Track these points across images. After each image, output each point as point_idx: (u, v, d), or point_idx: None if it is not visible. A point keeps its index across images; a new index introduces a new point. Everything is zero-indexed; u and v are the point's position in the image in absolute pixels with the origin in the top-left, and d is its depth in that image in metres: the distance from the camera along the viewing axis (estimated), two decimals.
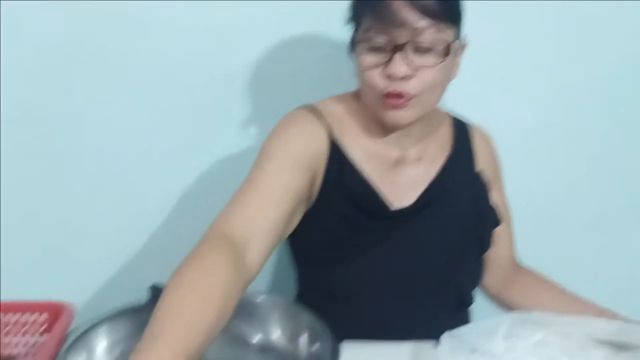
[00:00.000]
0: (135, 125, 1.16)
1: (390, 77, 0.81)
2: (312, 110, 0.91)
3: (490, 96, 1.20)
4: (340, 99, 0.95)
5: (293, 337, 0.84)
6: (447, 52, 0.82)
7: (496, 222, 1.00)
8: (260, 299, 0.88)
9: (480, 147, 1.00)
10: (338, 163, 0.88)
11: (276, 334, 0.86)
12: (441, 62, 0.82)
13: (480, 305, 1.08)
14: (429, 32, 0.80)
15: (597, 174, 1.28)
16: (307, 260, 0.97)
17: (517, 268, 1.10)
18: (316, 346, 0.80)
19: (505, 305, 1.08)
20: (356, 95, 0.94)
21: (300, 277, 1.02)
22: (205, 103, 1.16)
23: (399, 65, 0.80)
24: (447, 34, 0.82)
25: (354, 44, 0.85)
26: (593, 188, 1.29)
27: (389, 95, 0.82)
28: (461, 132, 1.00)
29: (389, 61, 0.81)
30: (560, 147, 1.26)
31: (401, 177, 0.92)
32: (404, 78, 0.81)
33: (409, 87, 0.82)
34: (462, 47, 0.88)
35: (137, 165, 1.18)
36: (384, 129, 0.91)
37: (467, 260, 0.97)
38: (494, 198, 1.01)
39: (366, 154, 0.91)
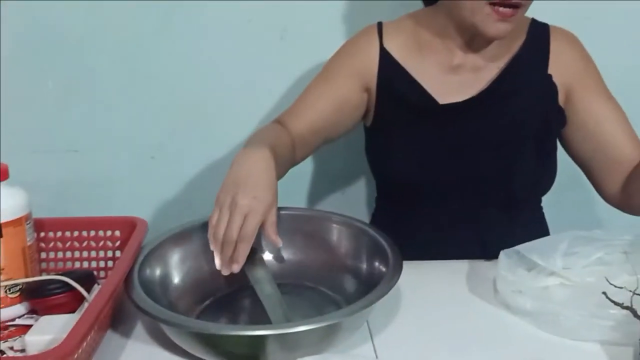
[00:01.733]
0: None
1: None
2: (372, 28, 1.01)
3: None
4: (413, 14, 1.02)
5: (356, 254, 0.87)
6: None
7: (562, 123, 0.99)
8: (327, 216, 0.90)
9: (559, 50, 0.98)
10: (388, 70, 0.97)
11: (340, 251, 0.89)
12: None
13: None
14: None
15: None
16: (379, 173, 1.07)
17: None
18: (378, 263, 0.83)
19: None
20: (430, 10, 0.99)
21: (377, 193, 1.13)
22: None
23: None
24: None
25: None
26: None
27: (502, 4, 0.85)
28: (538, 33, 0.99)
29: None
30: None
31: (460, 81, 0.97)
32: None
33: None
34: None
35: None
36: (458, 36, 0.95)
37: (522, 160, 0.98)
38: (586, 100, 0.97)
39: (424, 61, 0.97)
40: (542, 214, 1.10)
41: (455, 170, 0.97)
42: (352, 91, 0.99)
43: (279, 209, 0.84)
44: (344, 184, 1.37)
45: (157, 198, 1.32)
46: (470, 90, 0.96)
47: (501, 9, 0.86)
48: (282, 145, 0.90)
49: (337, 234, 0.89)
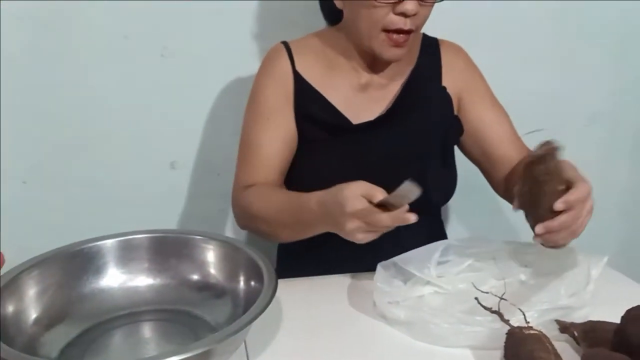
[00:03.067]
0: None
1: (402, 14, 0.89)
2: (282, 50, 1.01)
3: None
4: (318, 34, 1.05)
5: (231, 275, 0.84)
6: None
7: (460, 131, 1.05)
8: (198, 237, 0.87)
9: (449, 62, 1.05)
10: (302, 90, 0.99)
11: (214, 272, 0.85)
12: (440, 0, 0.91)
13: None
14: None
15: None
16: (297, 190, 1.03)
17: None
18: (253, 283, 0.80)
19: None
20: (333, 31, 1.03)
21: None
22: None
23: (413, 4, 0.88)
24: None
25: None
26: None
27: (398, 31, 0.90)
28: (430, 47, 1.06)
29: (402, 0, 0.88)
30: None
31: (367, 98, 1.01)
32: (414, 15, 0.89)
33: (414, 23, 0.91)
34: None
35: None
36: (359, 58, 1.00)
37: (433, 168, 1.02)
38: (475, 107, 1.04)
39: (333, 81, 1.01)
40: (441, 220, 1.15)
41: (373, 181, 0.97)
42: (291, 119, 1.00)
43: (149, 231, 0.82)
44: None
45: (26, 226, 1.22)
46: (378, 108, 1.01)
47: (395, 36, 0.92)
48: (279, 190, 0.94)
49: (212, 255, 0.85)
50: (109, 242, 0.85)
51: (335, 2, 0.99)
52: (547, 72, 1.40)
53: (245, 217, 0.97)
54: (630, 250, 1.61)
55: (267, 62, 1.03)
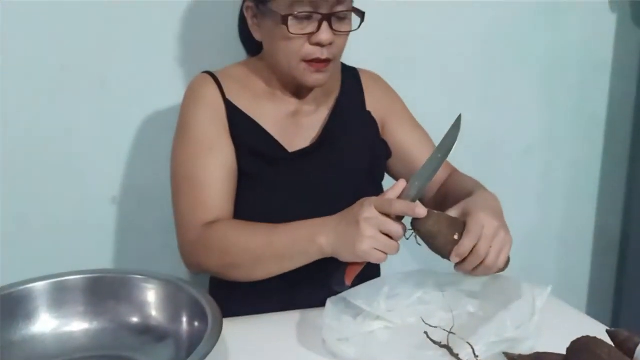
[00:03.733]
0: None
1: (318, 45, 0.91)
2: (208, 78, 1.00)
3: None
4: (242, 63, 1.06)
5: (173, 316, 0.80)
6: (362, 19, 0.93)
7: (387, 154, 1.07)
8: (138, 277, 0.83)
9: (369, 88, 1.08)
10: (236, 119, 0.98)
11: (155, 313, 0.81)
12: (357, 28, 0.93)
13: None
14: (346, 2, 0.91)
15: None
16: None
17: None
18: (197, 324, 0.77)
19: None
20: (256, 61, 1.04)
21: None
22: None
23: (327, 34, 0.90)
24: (352, 1, 0.93)
25: (272, 13, 0.91)
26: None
27: (316, 60, 0.92)
28: (350, 75, 1.09)
29: (317, 31, 0.90)
30: None
31: (298, 126, 1.01)
32: (329, 44, 0.91)
33: (331, 52, 0.93)
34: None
35: None
36: (284, 87, 1.01)
37: (365, 192, 0.99)
38: (398, 129, 1.08)
39: (264, 109, 1.00)
40: None
41: (309, 212, 0.95)
42: (231, 148, 0.97)
43: (84, 272, 0.78)
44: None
45: None
46: (309, 135, 1.01)
47: (313, 65, 0.93)
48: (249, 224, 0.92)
49: (152, 295, 0.82)
50: (40, 285, 0.80)
51: (254, 34, 0.98)
52: (482, 106, 1.44)
53: (217, 256, 0.90)
54: (573, 278, 1.67)
55: (194, 92, 1.00)
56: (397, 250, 0.80)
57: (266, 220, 0.92)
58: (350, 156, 1.02)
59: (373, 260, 0.80)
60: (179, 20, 1.19)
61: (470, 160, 1.26)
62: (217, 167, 0.95)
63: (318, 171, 0.99)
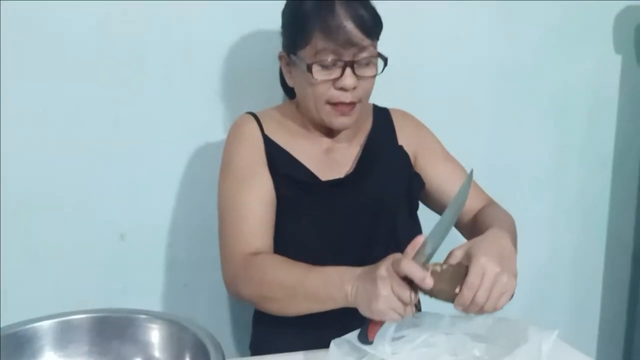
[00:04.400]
0: None
1: (342, 89, 0.96)
2: (250, 117, 1.07)
3: None
4: (279, 107, 1.13)
5: (177, 356, 0.80)
6: (385, 64, 0.98)
7: (420, 186, 1.11)
8: (142, 317, 0.83)
9: (401, 125, 1.13)
10: (273, 152, 1.04)
11: (158, 354, 0.81)
12: (381, 72, 0.99)
13: None
14: (369, 48, 0.96)
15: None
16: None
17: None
18: None
19: None
20: (291, 104, 1.11)
21: None
22: None
23: (350, 79, 0.96)
24: (376, 47, 0.98)
25: (301, 61, 0.97)
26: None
27: (340, 104, 0.97)
28: (381, 115, 1.14)
29: (340, 76, 0.95)
30: None
31: (331, 161, 1.07)
32: (353, 88, 0.96)
33: (355, 96, 0.98)
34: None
35: None
36: (316, 127, 1.06)
37: (401, 221, 1.06)
38: (430, 162, 1.11)
39: (299, 146, 1.06)
40: None
41: (347, 238, 1.02)
42: (269, 180, 1.02)
43: (90, 311, 0.79)
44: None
45: None
46: (343, 168, 1.06)
47: (339, 108, 0.98)
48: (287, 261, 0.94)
49: (156, 335, 0.81)
50: (46, 324, 0.80)
51: (287, 80, 1.05)
52: (493, 139, 1.46)
53: (255, 287, 0.94)
54: (583, 316, 1.64)
55: (236, 129, 1.07)
56: (411, 312, 0.80)
57: (303, 243, 1.00)
58: (382, 187, 1.05)
59: (388, 319, 0.81)
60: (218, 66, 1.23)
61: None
62: (257, 199, 1.00)
63: (350, 200, 1.03)
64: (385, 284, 0.79)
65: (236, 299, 1.04)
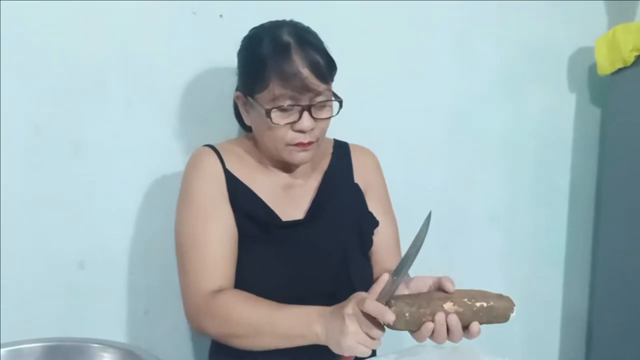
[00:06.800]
0: None
1: (300, 131, 0.99)
2: (210, 150, 1.07)
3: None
4: (237, 141, 1.14)
5: None
6: (341, 106, 1.02)
7: (375, 223, 1.12)
8: (95, 346, 0.82)
9: (359, 163, 1.15)
10: (234, 187, 1.04)
11: None
12: (336, 114, 1.02)
13: None
14: (325, 92, 1.00)
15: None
16: None
17: None
18: None
19: None
20: (249, 138, 1.12)
21: None
22: None
23: (308, 122, 0.98)
24: (330, 89, 1.01)
25: (258, 105, 0.99)
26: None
27: (298, 144, 1.00)
28: (340, 150, 1.17)
29: (298, 119, 0.98)
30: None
31: (290, 197, 1.07)
32: (311, 130, 0.99)
33: (313, 136, 1.01)
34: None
35: None
36: (274, 163, 1.08)
37: (354, 260, 1.07)
38: (371, 208, 1.12)
39: (259, 181, 1.07)
40: None
41: (299, 278, 1.02)
42: (231, 215, 1.02)
43: (42, 340, 0.76)
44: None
45: None
46: (301, 206, 1.07)
47: (297, 146, 1.00)
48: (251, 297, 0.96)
49: None
50: None
51: (244, 119, 1.07)
52: (446, 177, 1.49)
53: (220, 324, 0.96)
54: (540, 349, 1.66)
55: (197, 162, 1.06)
56: (379, 344, 0.84)
57: (259, 281, 1.00)
58: (337, 228, 1.07)
59: (358, 354, 0.84)
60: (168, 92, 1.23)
61: (435, 228, 1.29)
62: (219, 234, 1.00)
63: (308, 241, 1.04)
64: (352, 320, 0.83)
65: (200, 334, 1.03)
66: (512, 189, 1.57)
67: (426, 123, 1.45)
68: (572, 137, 1.62)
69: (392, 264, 1.08)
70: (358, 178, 1.13)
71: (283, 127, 0.98)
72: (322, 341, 0.87)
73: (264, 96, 0.98)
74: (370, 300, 0.81)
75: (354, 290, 1.03)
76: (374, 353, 0.92)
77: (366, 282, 1.08)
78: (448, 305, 0.82)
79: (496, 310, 0.83)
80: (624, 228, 1.50)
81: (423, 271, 1.02)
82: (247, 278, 1.01)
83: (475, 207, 1.53)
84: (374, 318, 0.81)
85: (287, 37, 0.98)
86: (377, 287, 0.85)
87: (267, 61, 0.96)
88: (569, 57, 1.59)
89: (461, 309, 0.82)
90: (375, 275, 1.10)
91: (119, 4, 1.16)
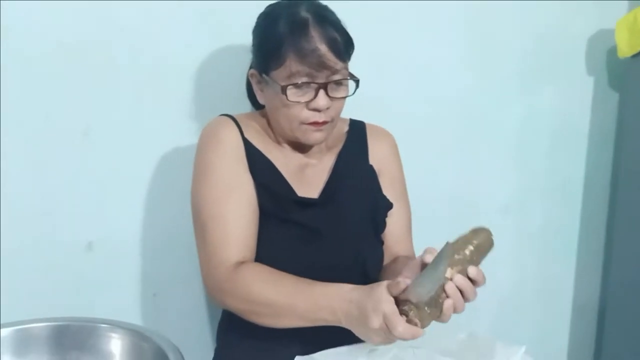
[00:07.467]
0: None
1: (315, 110, 0.97)
2: (227, 119, 1.04)
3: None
4: (252, 116, 1.10)
5: None
6: (357, 85, 0.99)
7: (388, 206, 1.10)
8: (103, 326, 0.81)
9: (375, 144, 1.13)
10: (253, 157, 1.02)
11: None
12: (352, 93, 0.99)
13: None
14: (342, 70, 0.97)
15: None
16: None
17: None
18: None
19: None
20: (262, 115, 1.09)
21: None
22: None
23: (324, 100, 0.96)
24: (347, 68, 0.98)
25: (273, 82, 0.97)
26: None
27: (313, 123, 0.98)
28: (356, 130, 1.14)
29: (314, 98, 0.96)
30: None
31: (305, 177, 1.06)
32: (326, 109, 0.97)
33: (328, 116, 0.99)
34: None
35: None
36: (288, 143, 1.06)
37: (366, 241, 1.06)
38: (386, 192, 1.10)
39: (274, 156, 1.04)
40: None
41: (313, 254, 1.00)
42: (252, 186, 1.00)
43: (50, 320, 0.76)
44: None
45: None
46: (315, 186, 1.05)
47: (311, 125, 0.98)
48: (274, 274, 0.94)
49: (117, 345, 0.80)
50: (5, 332, 0.79)
51: (258, 98, 1.05)
52: (460, 167, 1.47)
53: (241, 301, 0.93)
54: (551, 340, 1.65)
55: (215, 131, 1.03)
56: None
57: (275, 256, 0.97)
58: (351, 210, 1.05)
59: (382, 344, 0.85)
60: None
61: (447, 221, 1.28)
62: (242, 205, 0.98)
63: (321, 222, 1.02)
64: (378, 317, 0.81)
65: (219, 307, 1.02)
66: (524, 181, 1.54)
67: (438, 113, 1.42)
68: (588, 127, 1.58)
69: (402, 251, 1.08)
70: (373, 159, 1.11)
71: (298, 105, 0.97)
72: (345, 326, 0.86)
73: (279, 73, 0.96)
74: (400, 325, 0.79)
75: (365, 271, 1.04)
76: None
77: (377, 264, 1.08)
78: (448, 273, 0.81)
79: (482, 245, 0.86)
80: None
81: None
82: (259, 252, 0.99)
83: (487, 200, 1.50)
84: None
85: (305, 14, 0.95)
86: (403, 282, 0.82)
87: (284, 37, 0.94)
88: (587, 40, 1.54)
89: (459, 267, 0.82)
90: (386, 260, 1.08)
91: None
